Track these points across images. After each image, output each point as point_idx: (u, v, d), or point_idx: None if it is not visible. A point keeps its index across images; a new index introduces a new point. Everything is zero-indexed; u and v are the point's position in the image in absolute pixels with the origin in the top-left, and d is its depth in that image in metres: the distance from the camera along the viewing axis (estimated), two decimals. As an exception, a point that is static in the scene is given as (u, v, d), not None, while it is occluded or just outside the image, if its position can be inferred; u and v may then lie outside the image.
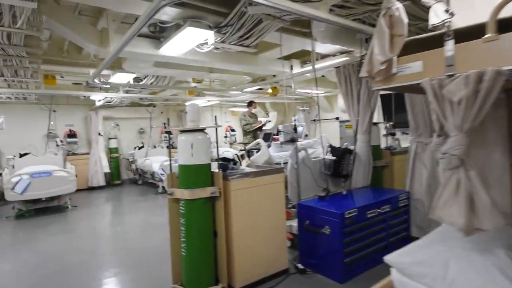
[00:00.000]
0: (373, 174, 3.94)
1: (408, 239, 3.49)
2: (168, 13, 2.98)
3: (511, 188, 1.77)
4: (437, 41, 1.32)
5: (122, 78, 5.21)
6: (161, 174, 7.22)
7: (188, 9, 2.95)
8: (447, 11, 1.41)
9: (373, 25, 3.06)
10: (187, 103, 9.06)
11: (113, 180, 8.95)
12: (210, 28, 3.15)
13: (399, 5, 1.53)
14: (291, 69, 4.17)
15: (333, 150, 3.83)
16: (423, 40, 1.41)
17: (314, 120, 9.03)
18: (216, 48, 3.72)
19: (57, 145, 8.02)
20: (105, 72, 5.39)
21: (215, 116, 2.75)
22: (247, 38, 3.41)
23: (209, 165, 2.59)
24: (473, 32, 1.24)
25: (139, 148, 9.31)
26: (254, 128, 7.66)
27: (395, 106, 4.93)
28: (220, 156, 2.75)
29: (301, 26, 3.84)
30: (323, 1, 2.60)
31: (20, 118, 7.99)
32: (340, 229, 2.76)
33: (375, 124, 4.09)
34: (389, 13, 1.49)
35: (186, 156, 2.51)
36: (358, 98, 3.69)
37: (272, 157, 3.67)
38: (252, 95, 8.35)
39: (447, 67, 1.29)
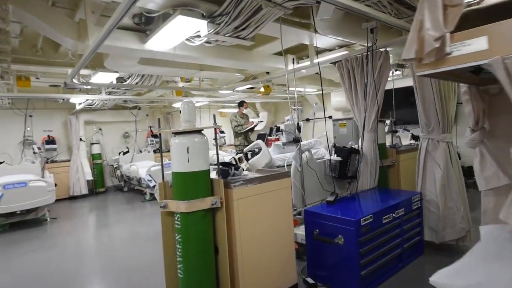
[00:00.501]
0: (379, 174, 3.69)
1: (421, 244, 3.25)
2: (155, 0, 2.63)
3: None
4: (506, 11, 1.04)
5: (104, 78, 4.79)
6: (149, 180, 6.80)
7: (178, -5, 2.62)
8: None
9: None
10: (177, 104, 8.67)
11: (96, 187, 8.43)
12: (203, 17, 2.81)
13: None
14: (294, 62, 3.87)
15: (338, 150, 3.55)
16: (487, 10, 1.13)
17: (308, 120, 8.79)
18: (208, 42, 3.39)
19: (35, 153, 7.46)
20: (85, 72, 4.96)
21: (214, 115, 2.41)
22: (243, 29, 3.08)
23: (208, 172, 2.25)
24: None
25: (124, 153, 8.82)
26: (246, 129, 7.34)
27: (395, 102, 4.71)
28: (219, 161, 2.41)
29: (301, 16, 3.56)
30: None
31: (-8, 124, 7.40)
32: (356, 238, 2.47)
33: (381, 121, 3.84)
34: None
35: (181, 162, 2.16)
36: (365, 93, 3.43)
37: (273, 159, 3.35)
38: (242, 94, 8.03)
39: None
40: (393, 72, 5.13)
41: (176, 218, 2.20)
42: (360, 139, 3.55)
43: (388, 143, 4.19)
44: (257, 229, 2.42)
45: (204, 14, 2.79)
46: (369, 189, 3.55)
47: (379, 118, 3.60)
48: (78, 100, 6.86)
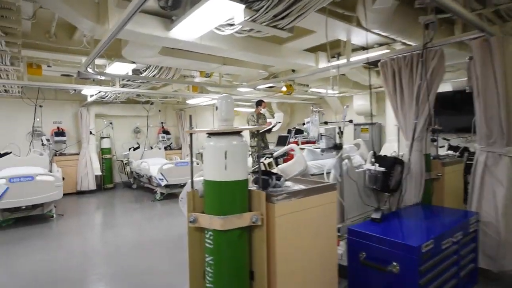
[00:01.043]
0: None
1: (476, 272, 2.83)
2: (188, -22, 2.27)
3: None
4: None
5: (120, 68, 4.45)
6: (160, 179, 6.46)
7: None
8: None
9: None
10: (191, 100, 8.31)
11: (104, 183, 8.13)
12: (240, 1, 2.45)
13: None
14: (338, 57, 3.46)
15: (379, 159, 3.15)
16: None
17: (326, 123, 8.39)
18: (240, 32, 3.02)
19: (43, 144, 7.19)
20: (100, 61, 4.63)
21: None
22: (283, 18, 2.70)
23: (246, 182, 1.88)
24: None
25: (135, 149, 8.52)
26: (263, 130, 6.97)
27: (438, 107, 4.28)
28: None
29: (345, 7, 3.17)
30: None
31: (2, 114, 7.13)
32: (417, 267, 2.07)
33: (433, 130, 3.43)
34: None
35: (216, 169, 1.80)
36: (417, 96, 3.02)
37: (309, 166, 2.97)
38: (260, 93, 7.66)
39: None
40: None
41: (207, 236, 1.83)
42: (408, 148, 3.13)
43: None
44: (299, 252, 2.04)
45: (242, -2, 2.43)
46: (413, 205, 3.14)
47: (427, 125, 3.19)
48: (90, 91, 6.56)
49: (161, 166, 6.51)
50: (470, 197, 2.99)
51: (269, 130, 7.63)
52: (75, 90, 6.37)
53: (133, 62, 4.43)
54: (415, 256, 2.07)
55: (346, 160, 2.99)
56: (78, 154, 7.69)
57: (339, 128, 2.85)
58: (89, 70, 3.88)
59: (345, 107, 3.89)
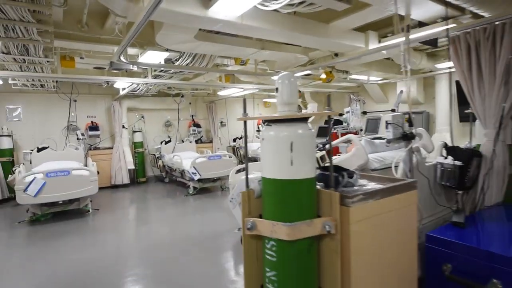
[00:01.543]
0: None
1: None
2: None
3: None
4: None
5: (152, 57, 4.22)
6: (193, 173, 6.26)
7: None
8: None
9: None
10: (222, 91, 8.03)
11: (137, 177, 8.11)
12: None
13: None
14: (408, 29, 2.97)
15: (453, 151, 2.67)
16: None
17: (365, 113, 7.81)
18: (286, 8, 2.64)
19: (78, 139, 7.23)
20: (132, 51, 4.43)
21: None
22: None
23: (314, 181, 1.52)
24: None
25: (166, 143, 8.42)
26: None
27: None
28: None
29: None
30: None
31: (39, 109, 7.24)
32: (528, 289, 1.63)
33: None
34: None
35: (280, 165, 1.45)
36: (504, 76, 2.50)
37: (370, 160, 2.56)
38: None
39: None
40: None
41: (268, 246, 1.50)
42: (492, 138, 2.62)
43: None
44: (376, 264, 1.66)
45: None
46: (494, 205, 2.64)
47: (512, 110, 2.65)
48: (123, 84, 6.45)
49: (193, 160, 6.31)
50: None
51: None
52: (108, 83, 6.27)
53: (166, 50, 4.18)
54: (528, 274, 1.63)
55: (415, 153, 2.54)
56: (111, 148, 7.70)
57: (409, 115, 2.40)
58: (122, 58, 3.65)
59: (399, 92, 3.41)
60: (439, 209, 2.63)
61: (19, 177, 4.75)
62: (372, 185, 1.75)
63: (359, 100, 7.29)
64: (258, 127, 10.62)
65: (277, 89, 1.55)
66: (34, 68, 4.62)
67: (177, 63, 4.61)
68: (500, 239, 2.03)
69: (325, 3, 2.47)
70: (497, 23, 2.63)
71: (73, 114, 7.54)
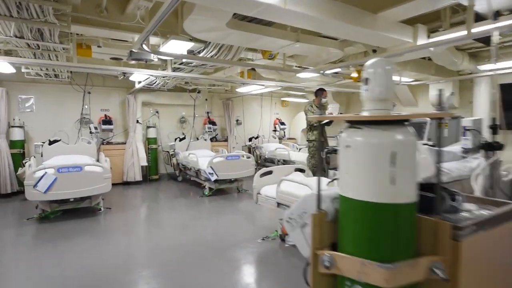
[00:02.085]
0: None
1: None
2: None
3: None
4: None
5: (176, 47, 3.87)
6: (210, 174, 5.91)
7: None
8: None
9: None
10: (241, 88, 7.65)
11: (150, 174, 7.80)
12: None
13: None
14: (496, 17, 2.55)
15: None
16: None
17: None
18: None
19: (91, 132, 6.96)
20: (153, 41, 4.09)
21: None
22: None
23: (415, 206, 1.12)
24: None
25: (180, 140, 8.09)
26: (324, 122, 6.13)
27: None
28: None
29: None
30: None
31: (52, 100, 6.98)
32: None
33: None
34: None
35: (375, 183, 1.06)
36: None
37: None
38: (315, 82, 6.81)
39: None
40: None
41: (351, 291, 1.12)
42: None
43: None
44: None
45: None
46: None
47: None
48: (140, 77, 6.13)
49: (211, 160, 5.95)
50: None
51: (329, 123, 6.77)
52: (124, 75, 5.96)
53: (191, 40, 3.82)
54: None
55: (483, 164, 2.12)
56: (124, 143, 7.40)
57: (493, 120, 1.99)
58: (144, 46, 3.31)
59: (449, 94, 2.98)
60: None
61: (29, 171, 4.46)
62: (476, 209, 1.35)
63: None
64: (275, 127, 10.24)
65: (366, 80, 1.16)
66: (49, 55, 4.32)
67: (201, 54, 4.26)
68: None
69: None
70: None
71: (86, 106, 7.27)
